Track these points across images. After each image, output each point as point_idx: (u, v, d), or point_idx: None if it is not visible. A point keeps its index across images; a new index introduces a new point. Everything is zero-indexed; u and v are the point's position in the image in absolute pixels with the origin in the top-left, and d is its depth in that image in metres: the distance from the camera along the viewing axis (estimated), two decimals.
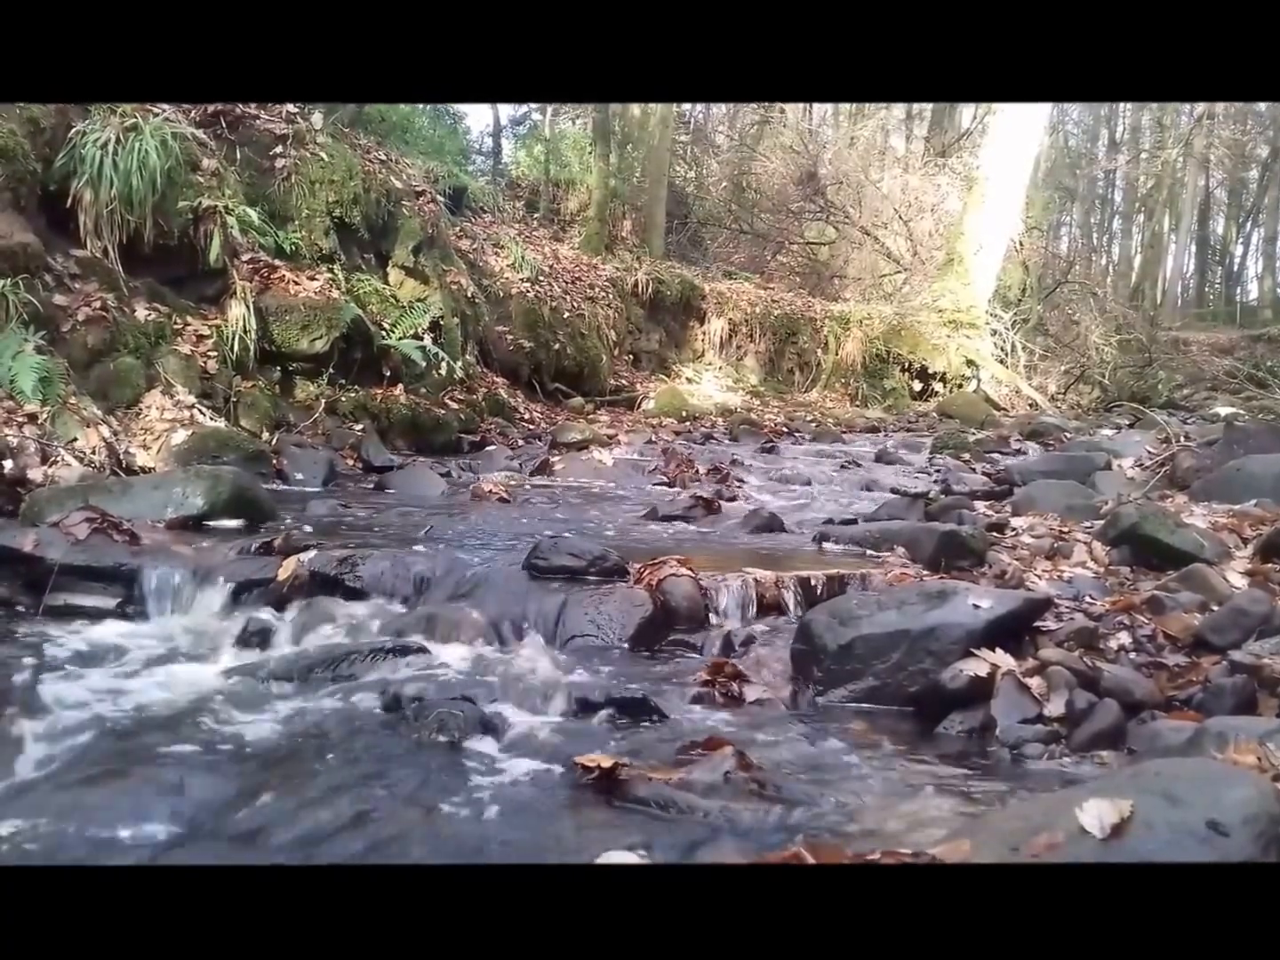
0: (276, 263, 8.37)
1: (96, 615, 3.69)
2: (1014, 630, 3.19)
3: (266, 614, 3.62)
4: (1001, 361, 17.60)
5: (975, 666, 2.94)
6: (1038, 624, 3.32)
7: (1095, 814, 1.67)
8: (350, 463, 7.67)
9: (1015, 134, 18.03)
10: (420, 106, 16.33)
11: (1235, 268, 44.52)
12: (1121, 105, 37.29)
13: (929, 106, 26.66)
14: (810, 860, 1.75)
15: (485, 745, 2.63)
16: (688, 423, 12.76)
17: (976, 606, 3.16)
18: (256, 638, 3.46)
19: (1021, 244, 20.87)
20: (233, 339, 7.41)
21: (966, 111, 26.65)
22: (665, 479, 7.49)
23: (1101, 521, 4.80)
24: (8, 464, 5.13)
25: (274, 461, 6.86)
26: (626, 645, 3.51)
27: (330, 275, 8.72)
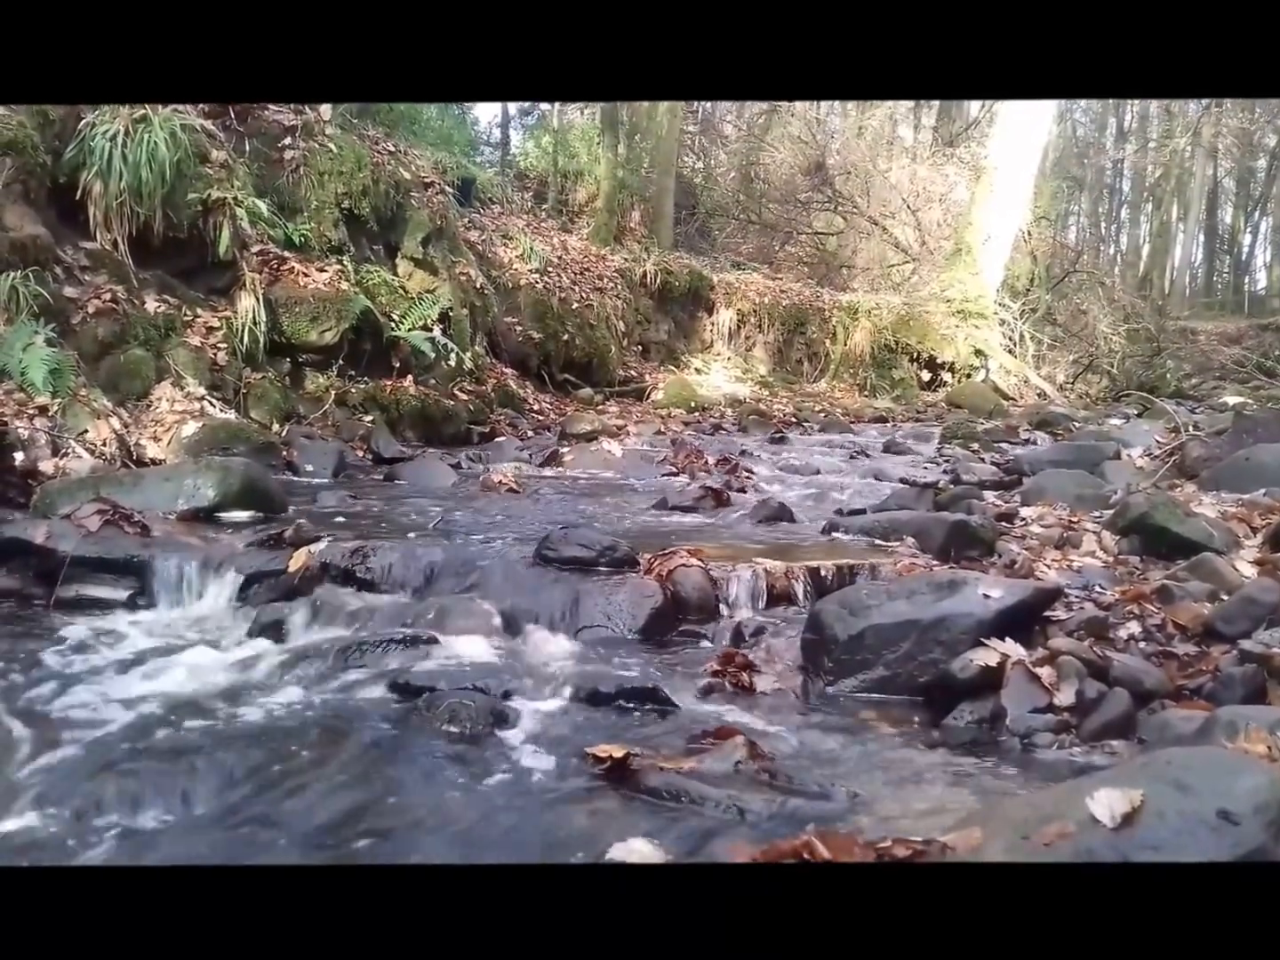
0: (286, 254, 8.37)
1: (108, 607, 3.71)
2: (1024, 620, 3.20)
3: (277, 605, 3.63)
4: (1010, 351, 17.55)
5: (985, 656, 2.94)
6: (1047, 614, 3.33)
7: (1106, 803, 1.67)
8: (360, 454, 7.67)
9: (1023, 123, 17.97)
10: None
11: (1243, 257, 44.38)
12: None
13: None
14: (821, 849, 1.76)
15: (497, 735, 2.64)
16: (696, 413, 12.74)
17: (986, 596, 3.17)
18: (267, 629, 3.47)
19: (1029, 234, 20.80)
20: (242, 331, 7.42)
21: (974, 101, 26.59)
22: (674, 470, 7.48)
23: (1111, 511, 4.80)
24: (19, 456, 5.15)
25: (284, 453, 6.86)
26: (637, 636, 3.52)
27: (339, 267, 8.71)
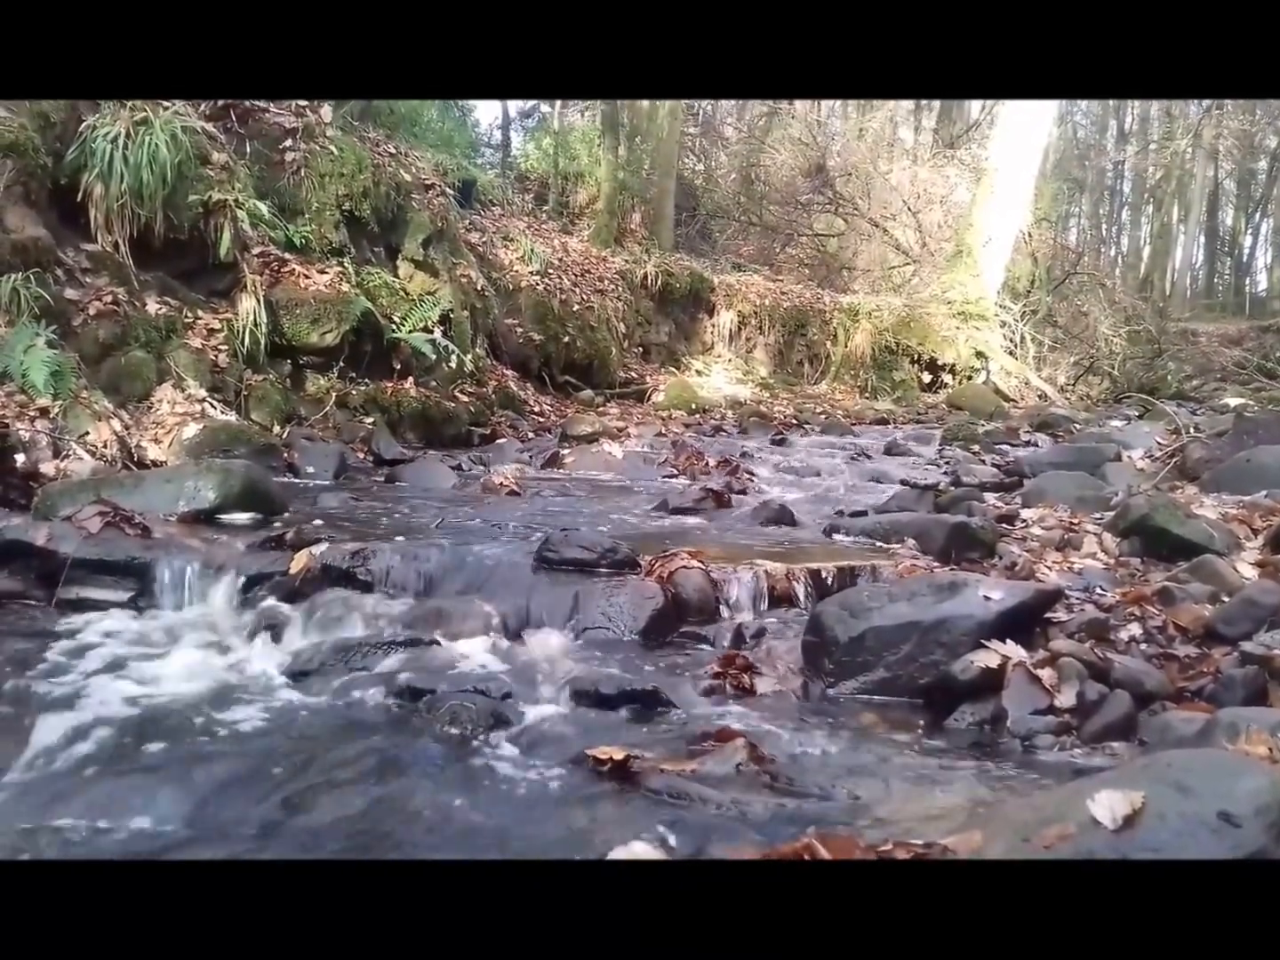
0: (287, 256, 8.37)
1: (109, 608, 3.70)
2: (1024, 622, 3.20)
3: (278, 607, 3.63)
4: (1011, 353, 17.54)
5: (986, 658, 2.94)
6: (1048, 615, 3.33)
7: (1107, 805, 1.67)
8: (361, 456, 7.68)
9: (1024, 125, 17.96)
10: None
11: (1244, 258, 44.37)
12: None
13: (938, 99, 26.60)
14: (822, 851, 1.76)
15: (498, 737, 2.64)
16: (697, 415, 12.72)
17: (987, 598, 3.17)
18: (268, 631, 3.47)
19: (1030, 235, 20.79)
20: (243, 333, 7.42)
21: (975, 103, 26.59)
22: (675, 471, 7.49)
23: (1112, 513, 4.80)
24: (20, 458, 5.15)
25: (285, 455, 6.86)
26: (638, 637, 3.52)
27: (340, 269, 8.71)
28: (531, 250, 13.57)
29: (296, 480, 6.53)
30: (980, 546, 4.36)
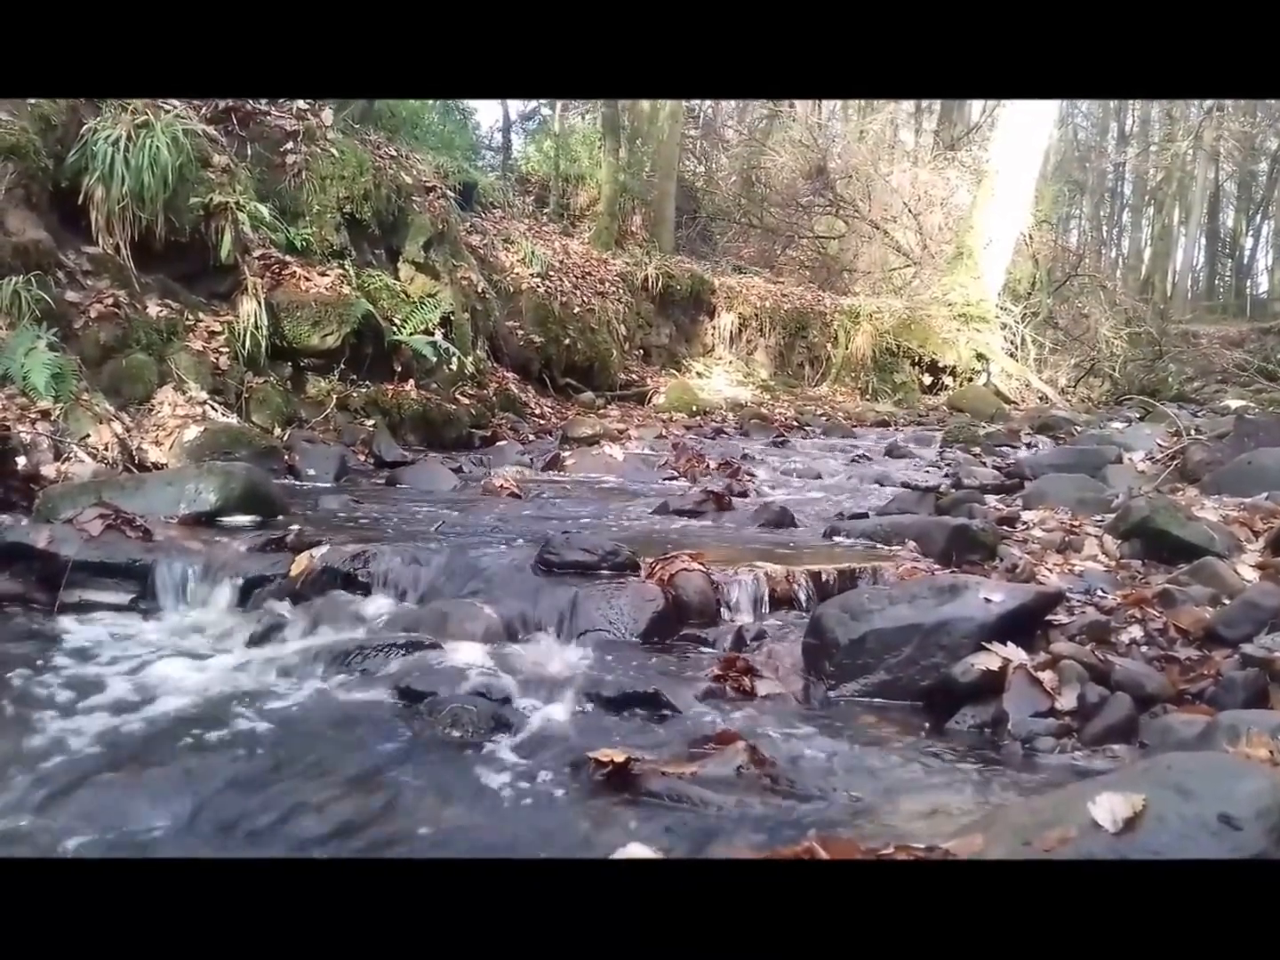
0: (288, 259, 8.36)
1: (110, 611, 3.71)
2: (1025, 624, 3.20)
3: (279, 609, 3.63)
4: (1011, 355, 17.56)
5: (987, 661, 2.94)
6: (1049, 618, 3.32)
7: (1107, 808, 1.67)
8: (362, 458, 7.68)
9: (1025, 127, 17.97)
10: (430, 102, 16.33)
11: (1245, 260, 44.42)
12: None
13: (938, 100, 26.61)
14: (823, 854, 1.76)
15: (498, 740, 2.64)
16: (698, 417, 12.74)
17: (988, 600, 3.16)
18: (269, 633, 3.47)
19: (1031, 237, 20.80)
20: (244, 335, 7.42)
21: (975, 105, 26.60)
22: (676, 473, 7.49)
23: (1112, 515, 4.80)
24: (21, 460, 5.15)
25: (286, 457, 6.86)
26: (638, 640, 3.51)
27: (341, 271, 8.71)
28: (532, 252, 13.57)
29: (297, 483, 6.53)
30: (981, 549, 4.35)
